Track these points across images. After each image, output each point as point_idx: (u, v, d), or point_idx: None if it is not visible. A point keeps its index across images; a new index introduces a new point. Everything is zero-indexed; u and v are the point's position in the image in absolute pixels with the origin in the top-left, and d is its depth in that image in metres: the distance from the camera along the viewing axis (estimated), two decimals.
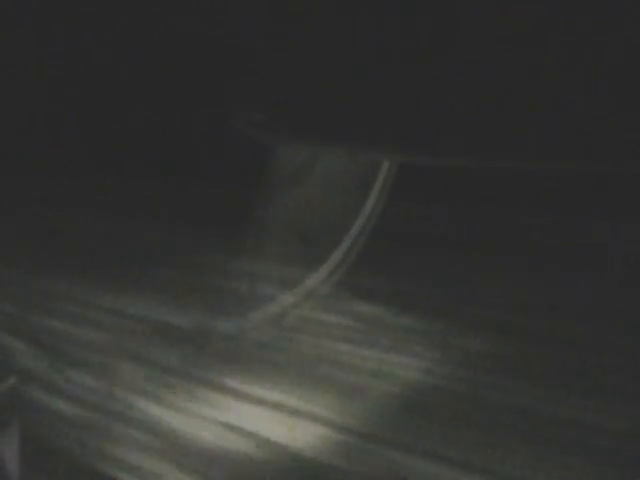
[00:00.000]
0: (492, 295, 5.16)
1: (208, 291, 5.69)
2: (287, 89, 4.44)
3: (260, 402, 4.02)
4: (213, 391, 4.25)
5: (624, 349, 4.09)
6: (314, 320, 5.12)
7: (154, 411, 3.99)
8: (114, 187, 8.19)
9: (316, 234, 5.88)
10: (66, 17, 6.13)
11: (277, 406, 4.05)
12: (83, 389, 4.24)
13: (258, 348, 4.66)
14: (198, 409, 4.00)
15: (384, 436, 3.65)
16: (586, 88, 3.21)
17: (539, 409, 3.78)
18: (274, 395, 4.14)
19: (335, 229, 5.97)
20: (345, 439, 3.66)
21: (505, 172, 4.91)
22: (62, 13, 5.95)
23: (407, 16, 3.29)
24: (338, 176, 5.91)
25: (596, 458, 3.35)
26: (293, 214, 6.20)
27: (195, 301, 5.59)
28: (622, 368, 3.98)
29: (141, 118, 7.48)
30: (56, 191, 8.48)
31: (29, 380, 4.16)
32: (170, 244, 7.05)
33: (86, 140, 8.52)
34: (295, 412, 3.96)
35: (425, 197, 5.76)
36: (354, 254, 5.88)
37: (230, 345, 4.70)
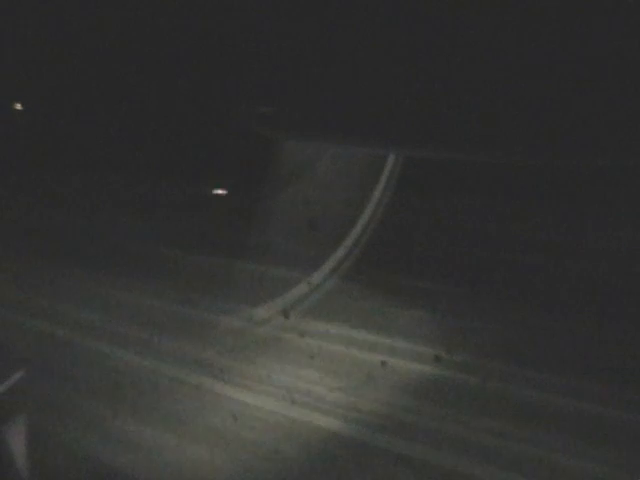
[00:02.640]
0: (497, 287, 5.17)
1: (218, 284, 5.73)
2: (293, 85, 4.44)
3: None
4: (220, 380, 4.29)
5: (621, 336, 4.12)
6: (320, 312, 5.13)
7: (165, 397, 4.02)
8: (118, 184, 8.23)
9: (323, 227, 5.89)
10: (69, 14, 6.11)
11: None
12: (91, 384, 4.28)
13: (265, 341, 4.68)
14: (204, 397, 4.03)
15: (390, 424, 3.66)
16: (579, 86, 3.20)
17: (544, 398, 3.79)
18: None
19: (342, 222, 5.98)
20: (348, 427, 3.67)
21: (508, 166, 4.91)
22: (65, 11, 5.93)
23: (406, 16, 3.28)
24: (344, 169, 5.91)
25: (600, 449, 3.37)
26: (300, 207, 6.21)
27: (205, 294, 5.63)
28: (620, 355, 4.02)
29: (147, 115, 7.46)
30: (57, 189, 8.51)
31: (37, 375, 4.20)
32: (177, 239, 7.09)
33: (88, 136, 8.51)
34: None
35: (430, 190, 5.75)
36: (361, 246, 5.89)
37: (237, 338, 4.73)
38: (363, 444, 3.60)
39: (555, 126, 3.21)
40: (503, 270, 5.26)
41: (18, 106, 8.20)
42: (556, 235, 5.13)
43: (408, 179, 5.95)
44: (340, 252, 5.84)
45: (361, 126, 4.04)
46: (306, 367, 4.38)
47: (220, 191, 8.32)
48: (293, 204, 6.47)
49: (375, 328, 4.77)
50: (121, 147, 8.70)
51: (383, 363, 4.31)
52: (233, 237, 7.18)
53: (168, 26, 5.92)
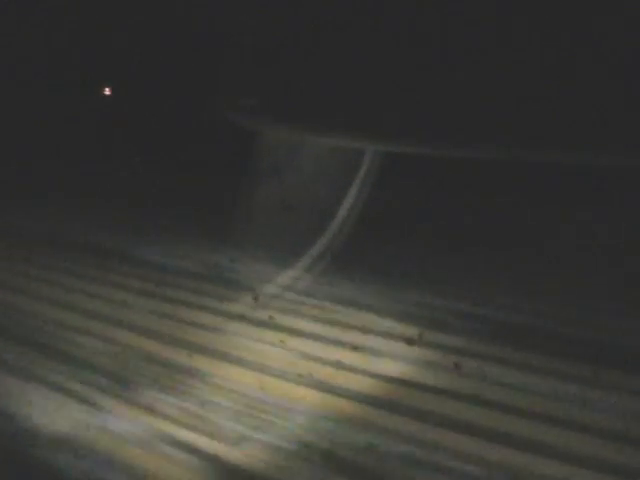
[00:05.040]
0: (473, 282, 5.35)
1: (200, 275, 5.81)
2: (276, 77, 4.48)
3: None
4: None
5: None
6: (301, 301, 5.22)
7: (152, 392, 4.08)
8: (104, 176, 8.18)
9: (302, 220, 5.96)
10: (64, 10, 6.03)
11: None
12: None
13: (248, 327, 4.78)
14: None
15: (378, 402, 3.78)
16: (563, 82, 3.33)
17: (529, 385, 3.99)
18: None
19: (320, 215, 6.07)
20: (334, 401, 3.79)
21: (484, 161, 5.05)
22: (61, 7, 5.86)
23: (389, 13, 3.36)
24: (323, 163, 5.98)
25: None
26: (280, 200, 6.29)
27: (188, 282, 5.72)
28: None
29: (132, 106, 7.42)
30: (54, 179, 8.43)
31: None
32: (160, 228, 7.11)
33: (79, 129, 8.41)
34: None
35: (407, 184, 5.87)
36: (339, 239, 5.99)
37: (222, 326, 4.81)
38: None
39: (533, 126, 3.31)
40: (478, 264, 5.47)
41: None
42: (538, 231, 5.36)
43: (386, 173, 6.06)
44: (320, 244, 5.94)
45: (341, 120, 4.09)
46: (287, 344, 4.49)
47: (202, 180, 8.34)
48: (273, 196, 6.53)
49: (349, 320, 4.90)
50: (104, 139, 8.65)
51: (354, 349, 4.47)
52: (213, 227, 7.26)
53: (149, 19, 5.91)
